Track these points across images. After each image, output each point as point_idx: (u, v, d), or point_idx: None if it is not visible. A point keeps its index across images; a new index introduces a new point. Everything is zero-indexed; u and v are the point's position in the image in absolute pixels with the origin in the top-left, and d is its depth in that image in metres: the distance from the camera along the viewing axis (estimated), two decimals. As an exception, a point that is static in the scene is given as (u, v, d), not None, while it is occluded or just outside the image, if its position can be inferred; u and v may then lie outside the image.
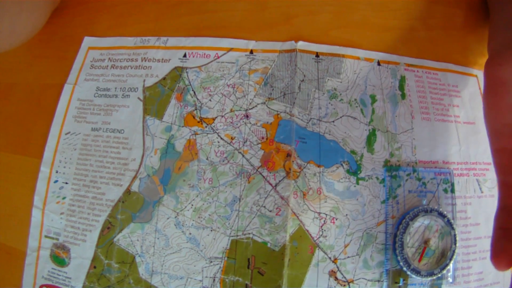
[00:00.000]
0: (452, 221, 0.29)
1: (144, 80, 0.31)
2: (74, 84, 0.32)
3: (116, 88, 0.32)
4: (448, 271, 0.29)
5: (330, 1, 0.33)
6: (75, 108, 0.32)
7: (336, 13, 0.32)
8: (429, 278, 0.28)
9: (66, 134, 0.31)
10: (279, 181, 0.28)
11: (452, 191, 0.31)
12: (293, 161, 0.28)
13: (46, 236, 0.30)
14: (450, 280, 0.29)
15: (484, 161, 0.32)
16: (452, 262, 0.29)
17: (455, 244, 0.29)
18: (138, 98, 0.31)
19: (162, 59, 0.32)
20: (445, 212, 0.29)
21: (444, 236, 0.30)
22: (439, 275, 0.28)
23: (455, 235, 0.29)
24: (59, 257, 0.30)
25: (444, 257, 0.29)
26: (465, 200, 0.31)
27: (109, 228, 0.29)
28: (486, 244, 0.32)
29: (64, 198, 0.30)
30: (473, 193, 0.32)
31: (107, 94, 0.32)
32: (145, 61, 0.32)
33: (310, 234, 0.28)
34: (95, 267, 0.29)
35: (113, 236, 0.29)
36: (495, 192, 0.32)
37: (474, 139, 0.32)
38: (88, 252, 0.29)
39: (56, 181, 0.31)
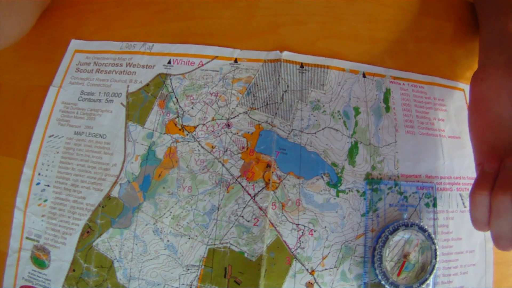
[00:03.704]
0: (433, 235, 0.29)
1: (128, 86, 0.31)
2: (59, 87, 0.32)
3: (100, 92, 0.32)
4: (428, 285, 0.29)
5: (318, 11, 0.32)
6: (59, 111, 0.32)
7: (323, 24, 0.32)
8: (407, 292, 0.28)
9: (49, 136, 0.31)
10: (258, 191, 0.28)
11: (434, 205, 0.31)
12: (272, 172, 0.28)
13: (27, 238, 0.30)
14: (429, 294, 0.29)
15: (468, 175, 0.32)
16: (431, 276, 0.29)
17: (435, 258, 0.29)
18: (121, 103, 0.31)
19: (147, 65, 0.31)
20: (426, 227, 0.29)
21: (425, 250, 0.30)
22: (417, 290, 0.28)
23: (435, 249, 0.29)
24: (40, 259, 0.30)
25: (424, 272, 0.29)
26: (447, 214, 0.31)
27: (88, 232, 0.29)
28: (467, 259, 0.31)
29: (45, 200, 0.30)
30: (456, 208, 0.31)
31: (91, 98, 0.32)
32: (130, 66, 0.32)
33: (288, 245, 0.28)
34: (74, 270, 0.29)
35: (92, 240, 0.29)
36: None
37: (459, 154, 0.32)
38: (68, 255, 0.29)
39: (38, 184, 0.31)
